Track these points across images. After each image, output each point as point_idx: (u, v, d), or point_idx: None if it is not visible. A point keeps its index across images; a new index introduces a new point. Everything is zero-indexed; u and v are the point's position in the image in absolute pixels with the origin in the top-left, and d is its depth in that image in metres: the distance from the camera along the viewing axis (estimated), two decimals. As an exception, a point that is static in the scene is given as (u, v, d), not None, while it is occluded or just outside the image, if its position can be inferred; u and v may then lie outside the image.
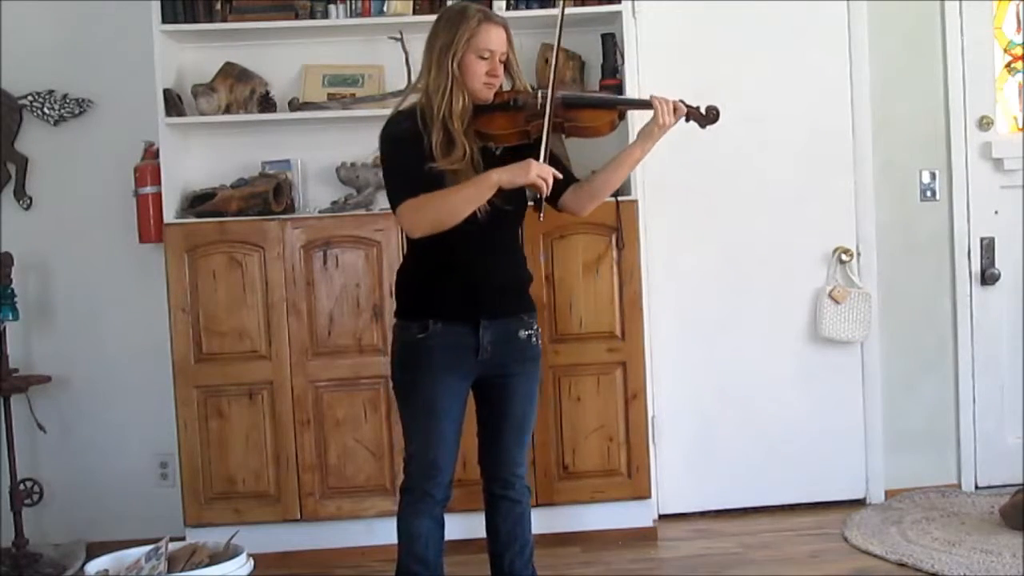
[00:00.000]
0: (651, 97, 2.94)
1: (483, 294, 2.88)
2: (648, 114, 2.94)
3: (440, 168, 2.78)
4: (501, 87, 2.92)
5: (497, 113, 2.88)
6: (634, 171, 4.03)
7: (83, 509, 4.28)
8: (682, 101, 2.94)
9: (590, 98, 3.06)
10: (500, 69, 2.87)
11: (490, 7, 4.00)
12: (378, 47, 4.16)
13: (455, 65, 2.81)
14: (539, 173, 2.74)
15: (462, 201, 2.76)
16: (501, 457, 2.99)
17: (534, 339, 2.99)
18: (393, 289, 3.03)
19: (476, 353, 2.88)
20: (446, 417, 2.88)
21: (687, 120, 2.97)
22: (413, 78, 3.51)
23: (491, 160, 2.87)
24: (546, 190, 2.75)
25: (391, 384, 3.00)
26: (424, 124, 2.82)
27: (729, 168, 4.35)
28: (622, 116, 2.97)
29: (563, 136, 3.02)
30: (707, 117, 2.96)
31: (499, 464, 2.99)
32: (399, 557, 2.96)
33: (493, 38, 2.84)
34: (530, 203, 2.90)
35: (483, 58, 2.83)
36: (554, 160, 2.91)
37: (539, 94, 2.87)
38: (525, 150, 2.85)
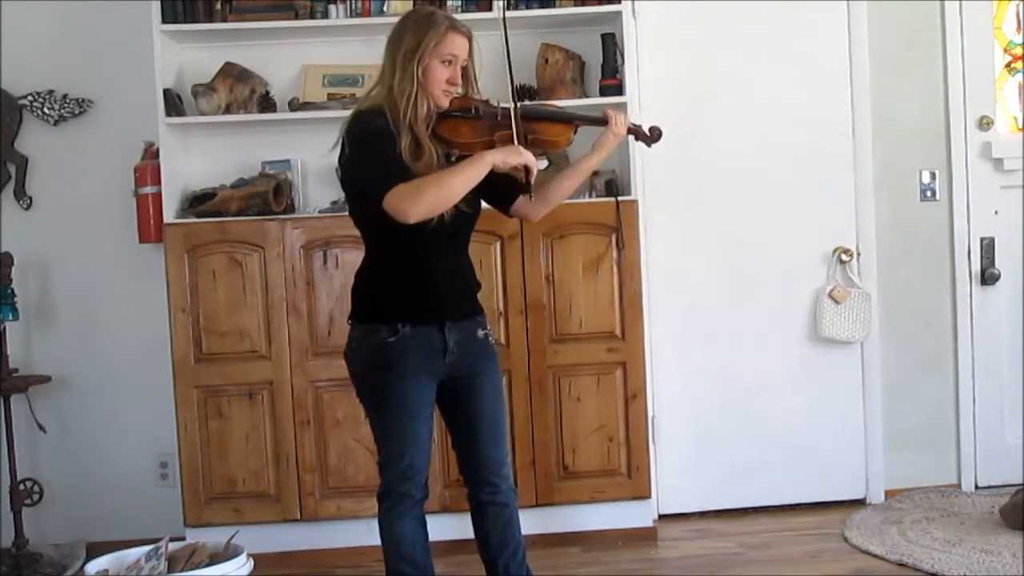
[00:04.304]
0: (604, 111, 3.05)
1: (448, 296, 2.91)
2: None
3: (412, 171, 2.79)
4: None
5: (459, 121, 2.91)
6: (634, 171, 4.10)
7: (83, 509, 4.29)
8: (630, 121, 3.10)
9: (549, 111, 3.14)
10: (460, 77, 2.89)
11: (490, 7, 4.03)
12: (378, 47, 4.06)
13: (420, 70, 2.83)
14: (530, 157, 2.80)
15: (461, 181, 2.76)
16: (482, 460, 2.97)
17: (490, 338, 3.04)
18: (351, 293, 2.99)
19: (444, 355, 2.89)
20: (420, 418, 2.88)
21: (636, 139, 3.12)
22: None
23: (448, 164, 2.90)
24: (533, 176, 2.82)
25: (357, 391, 2.96)
26: (394, 127, 2.82)
27: (729, 168, 4.35)
28: (576, 131, 3.05)
29: (526, 146, 3.04)
30: (651, 137, 3.10)
31: (482, 467, 2.97)
32: (387, 562, 2.95)
33: (458, 45, 2.86)
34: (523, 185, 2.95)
35: (446, 63, 2.85)
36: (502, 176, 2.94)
37: (498, 104, 2.93)
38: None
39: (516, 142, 2.86)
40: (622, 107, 3.95)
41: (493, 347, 3.05)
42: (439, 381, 2.93)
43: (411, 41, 2.85)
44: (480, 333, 2.99)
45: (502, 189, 3.01)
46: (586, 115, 3.08)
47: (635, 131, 3.08)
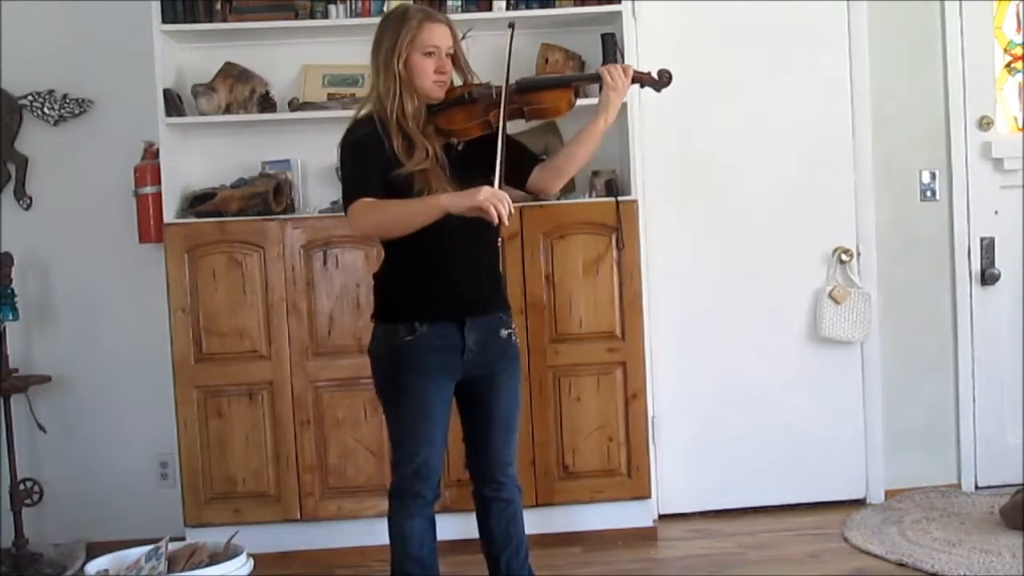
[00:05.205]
0: (599, 68, 3.00)
1: (467, 293, 2.89)
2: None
3: (408, 171, 2.79)
4: (452, 84, 2.94)
5: (455, 108, 2.90)
6: (634, 171, 4.10)
7: (83, 509, 4.28)
8: (633, 68, 2.98)
9: (544, 79, 3.11)
10: (448, 65, 2.89)
11: (490, 7, 4.03)
12: (378, 47, 4.15)
13: (401, 66, 2.83)
14: (487, 199, 2.62)
15: (407, 215, 2.75)
16: (491, 458, 2.98)
17: (513, 337, 3.01)
18: (372, 292, 3.01)
19: (462, 353, 2.89)
20: (436, 418, 2.88)
21: (641, 86, 3.01)
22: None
23: (454, 155, 2.89)
24: (495, 218, 2.61)
25: (376, 389, 2.97)
26: (383, 129, 2.82)
27: (729, 168, 4.35)
28: (577, 93, 3.02)
29: (525, 120, 3.05)
30: (660, 81, 2.97)
31: (490, 465, 2.98)
32: (393, 560, 2.96)
33: (437, 34, 2.86)
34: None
35: (429, 54, 2.85)
36: (515, 147, 2.97)
37: (491, 84, 2.91)
38: (488, 140, 2.85)
39: (502, 118, 2.83)
40: (621, 105, 3.94)
41: (516, 347, 3.02)
42: (458, 379, 2.92)
43: (388, 40, 2.86)
44: (503, 332, 2.97)
45: (514, 168, 2.94)
46: (582, 75, 3.05)
47: (640, 79, 2.97)
